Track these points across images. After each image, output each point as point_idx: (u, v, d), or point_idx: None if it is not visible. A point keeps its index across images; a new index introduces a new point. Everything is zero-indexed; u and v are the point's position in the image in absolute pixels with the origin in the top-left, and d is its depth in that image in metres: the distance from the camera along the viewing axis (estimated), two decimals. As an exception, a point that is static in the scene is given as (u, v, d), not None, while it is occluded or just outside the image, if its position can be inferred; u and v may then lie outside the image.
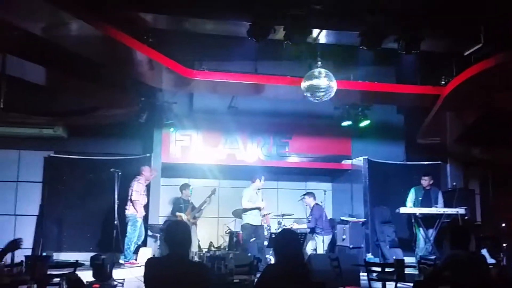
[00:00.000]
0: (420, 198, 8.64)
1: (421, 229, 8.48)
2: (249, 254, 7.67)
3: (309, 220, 9.02)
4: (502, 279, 5.10)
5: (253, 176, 8.98)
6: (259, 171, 9.28)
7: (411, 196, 8.72)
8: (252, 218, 8.76)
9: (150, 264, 3.33)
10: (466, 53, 7.29)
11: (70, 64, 7.02)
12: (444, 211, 8.37)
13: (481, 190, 10.30)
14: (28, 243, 8.93)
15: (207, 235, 9.85)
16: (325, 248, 8.76)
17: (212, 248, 9.04)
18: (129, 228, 8.18)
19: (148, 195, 8.73)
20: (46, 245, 8.81)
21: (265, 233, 9.02)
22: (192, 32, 7.20)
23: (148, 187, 8.73)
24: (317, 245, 8.82)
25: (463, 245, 4.17)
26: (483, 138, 9.17)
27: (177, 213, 9.16)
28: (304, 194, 9.31)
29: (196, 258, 7.96)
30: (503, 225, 9.07)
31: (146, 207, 8.71)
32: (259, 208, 8.83)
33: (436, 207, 8.49)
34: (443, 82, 8.35)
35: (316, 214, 8.90)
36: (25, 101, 8.08)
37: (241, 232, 8.88)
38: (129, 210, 8.26)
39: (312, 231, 8.94)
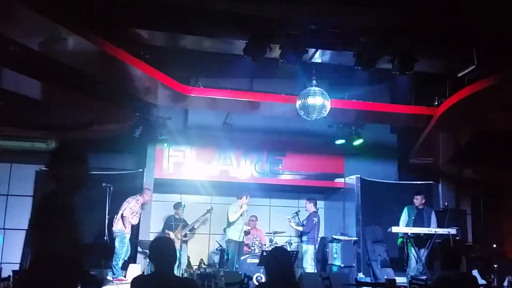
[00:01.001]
0: (413, 218, 8.64)
1: (412, 248, 8.46)
2: (239, 272, 7.61)
3: (303, 224, 9.14)
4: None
5: (240, 193, 9.26)
6: (249, 188, 9.36)
7: (404, 217, 8.71)
8: (235, 234, 9.01)
9: (137, 282, 3.29)
10: (460, 74, 7.37)
11: (65, 79, 7.00)
12: (435, 231, 8.38)
13: (472, 210, 10.32)
14: (16, 257, 8.83)
15: (198, 252, 9.76)
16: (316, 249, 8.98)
17: (203, 266, 8.97)
18: (117, 244, 8.11)
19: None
20: (34, 260, 8.69)
21: (256, 250, 8.98)
22: (189, 49, 7.23)
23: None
24: (309, 256, 8.87)
25: (454, 266, 4.18)
26: (475, 158, 9.23)
27: (166, 231, 9.13)
28: (307, 199, 9.41)
29: (185, 275, 7.86)
30: (494, 246, 9.09)
31: (136, 225, 8.66)
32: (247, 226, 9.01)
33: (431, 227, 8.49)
34: (436, 103, 8.42)
35: (310, 221, 9.02)
36: (19, 115, 8.04)
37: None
38: (117, 226, 8.19)
39: (301, 235, 9.10)
